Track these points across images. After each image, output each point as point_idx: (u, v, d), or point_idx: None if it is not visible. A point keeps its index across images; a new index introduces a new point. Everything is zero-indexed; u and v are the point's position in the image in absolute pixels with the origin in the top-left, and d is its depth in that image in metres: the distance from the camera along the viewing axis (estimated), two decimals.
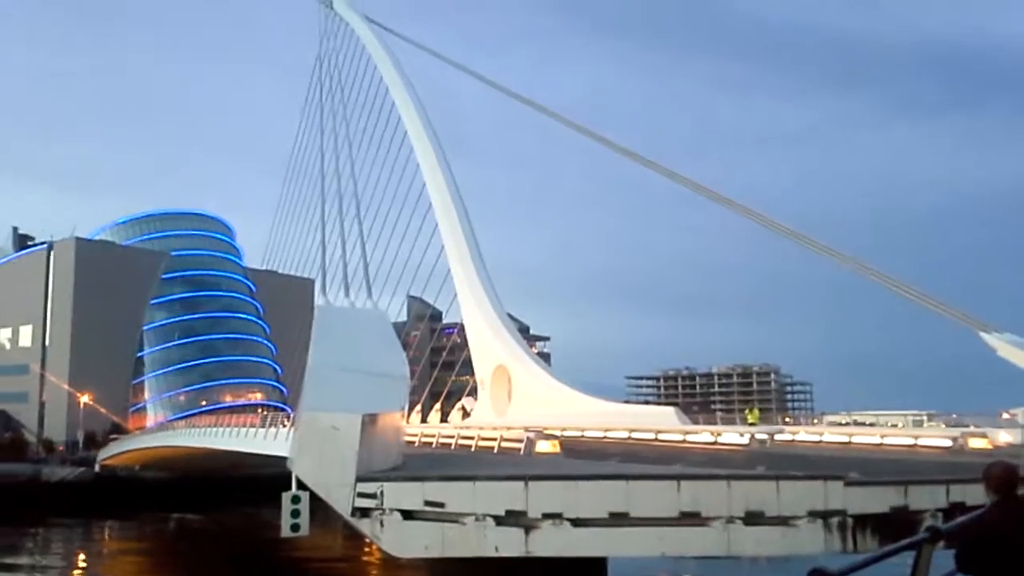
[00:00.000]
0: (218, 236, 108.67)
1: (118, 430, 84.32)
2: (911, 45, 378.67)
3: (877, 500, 14.54)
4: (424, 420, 59.45)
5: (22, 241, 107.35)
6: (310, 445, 14.54)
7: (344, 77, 68.21)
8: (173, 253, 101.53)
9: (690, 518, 13.57)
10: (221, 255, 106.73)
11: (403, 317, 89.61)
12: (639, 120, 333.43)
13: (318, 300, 25.09)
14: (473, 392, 59.12)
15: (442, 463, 20.75)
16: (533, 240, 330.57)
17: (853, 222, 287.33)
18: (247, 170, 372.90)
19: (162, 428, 73.96)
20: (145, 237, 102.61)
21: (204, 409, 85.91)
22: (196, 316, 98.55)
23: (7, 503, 54.45)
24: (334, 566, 33.05)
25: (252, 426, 36.98)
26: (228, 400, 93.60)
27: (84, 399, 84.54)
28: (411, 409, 62.83)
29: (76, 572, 38.46)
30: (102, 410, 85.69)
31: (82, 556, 43.52)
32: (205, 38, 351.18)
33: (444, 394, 64.01)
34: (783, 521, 13.90)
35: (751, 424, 39.16)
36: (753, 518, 13.71)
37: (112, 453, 68.35)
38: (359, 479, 13.91)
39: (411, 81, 65.22)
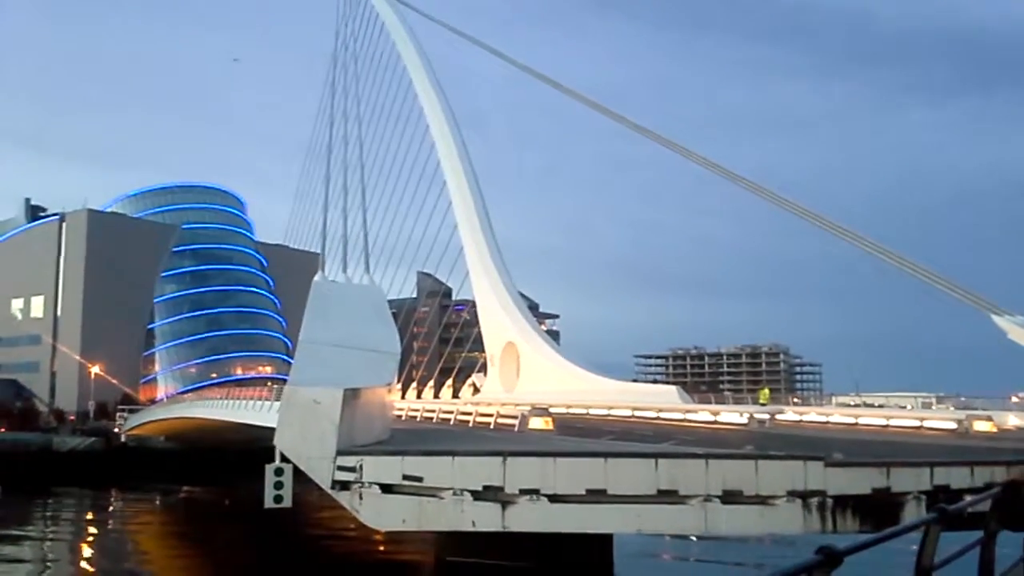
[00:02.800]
0: (229, 210, 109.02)
1: (129, 401, 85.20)
2: (925, 26, 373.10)
3: (858, 481, 14.52)
4: (436, 395, 59.95)
5: (34, 212, 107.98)
6: (292, 418, 14.67)
7: (361, 53, 67.95)
8: (184, 226, 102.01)
9: (667, 496, 13.60)
10: (232, 228, 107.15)
11: (414, 294, 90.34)
12: (650, 100, 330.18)
13: (316, 276, 25.19)
14: (484, 368, 59.49)
15: (429, 438, 20.88)
16: (544, 218, 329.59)
17: (866, 204, 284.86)
18: (264, 147, 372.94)
19: (175, 400, 74.80)
20: (156, 210, 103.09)
21: (214, 381, 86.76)
22: (206, 289, 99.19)
23: (19, 472, 55.16)
24: (343, 538, 33.27)
25: (263, 399, 37.26)
26: (239, 373, 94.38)
27: (95, 370, 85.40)
28: (423, 385, 63.47)
29: (86, 541, 38.95)
30: (113, 381, 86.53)
31: (92, 526, 44.06)
32: (226, 14, 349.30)
33: (456, 370, 64.35)
34: (761, 500, 13.91)
35: (763, 404, 39.19)
36: (731, 497, 13.74)
37: (138, 423, 69.20)
38: (339, 452, 14.04)
39: (427, 56, 64.96)
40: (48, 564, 32.94)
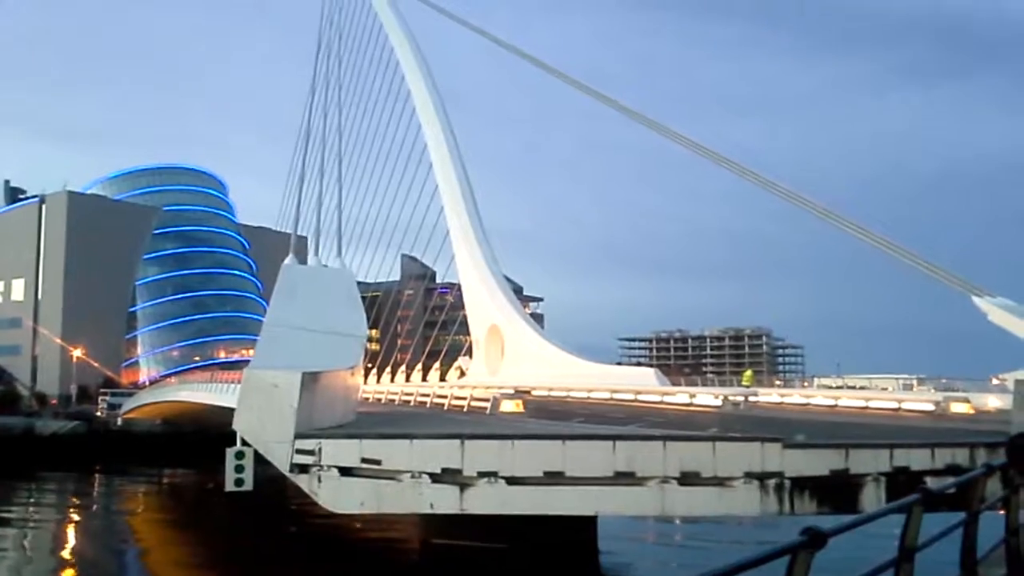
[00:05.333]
0: (211, 191, 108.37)
1: (111, 384, 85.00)
2: (910, 9, 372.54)
3: (816, 463, 14.59)
4: (424, 379, 60.02)
5: (14, 194, 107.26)
6: (251, 402, 14.67)
7: (347, 33, 67.42)
8: (165, 208, 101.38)
9: (625, 478, 13.67)
10: (214, 211, 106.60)
11: (397, 276, 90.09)
12: (632, 79, 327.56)
13: (287, 259, 25.09)
14: (470, 352, 59.56)
15: (396, 421, 20.93)
16: (528, 201, 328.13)
17: (849, 186, 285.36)
18: (247, 129, 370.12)
19: (161, 384, 74.59)
20: (137, 192, 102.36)
21: (197, 365, 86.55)
22: (189, 272, 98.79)
23: (1, 456, 54.96)
24: (328, 520, 33.27)
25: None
26: (222, 356, 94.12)
27: (77, 353, 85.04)
28: (410, 368, 63.52)
29: (70, 526, 38.84)
30: (95, 364, 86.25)
31: (75, 511, 43.92)
32: None
33: (443, 353, 64.40)
34: (719, 482, 13.99)
35: (747, 386, 39.38)
36: (688, 479, 13.81)
37: (133, 406, 69.02)
38: (298, 436, 14.05)
39: (413, 35, 64.46)
40: (31, 550, 32.77)
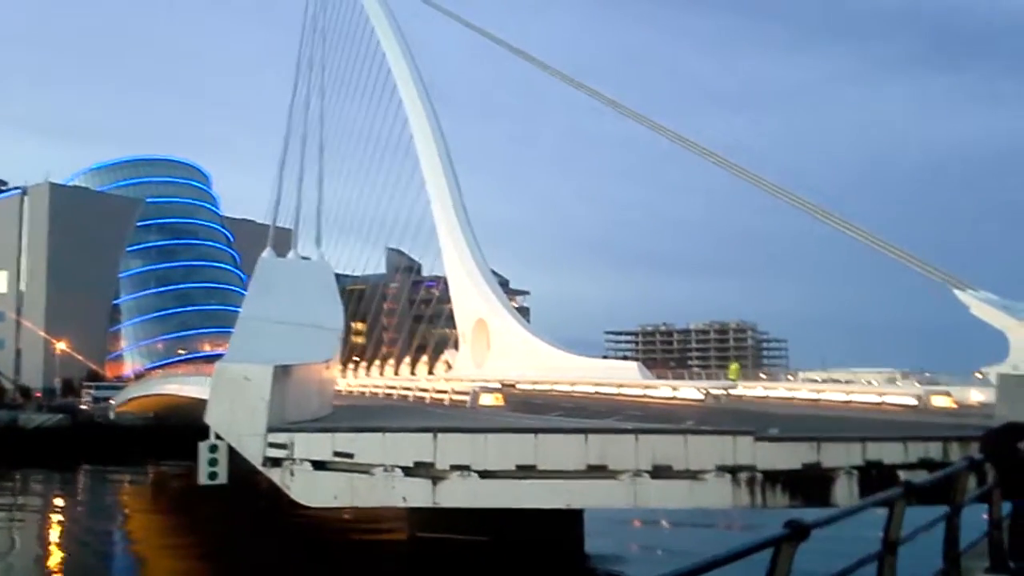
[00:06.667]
0: (194, 183, 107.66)
1: (95, 377, 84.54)
2: (897, 2, 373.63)
3: (788, 456, 14.65)
4: (413, 372, 60.03)
5: None
6: (223, 395, 14.62)
7: (331, 23, 66.86)
8: (148, 200, 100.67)
9: (597, 471, 13.71)
10: (197, 203, 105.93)
11: (383, 269, 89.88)
12: (618, 72, 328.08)
13: (264, 252, 25.00)
14: (457, 345, 59.53)
15: (372, 415, 20.90)
16: (512, 194, 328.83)
17: (835, 180, 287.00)
18: (232, 120, 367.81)
19: (145, 376, 74.30)
20: (120, 183, 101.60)
21: (182, 358, 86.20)
22: (173, 264, 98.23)
23: None
24: (315, 515, 33.19)
25: None
26: (206, 349, 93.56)
27: (60, 346, 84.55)
28: (398, 362, 63.48)
29: (55, 520, 38.60)
30: (79, 357, 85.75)
31: (61, 505, 43.68)
32: None
33: (430, 347, 64.31)
34: (691, 475, 14.05)
35: (732, 379, 39.50)
36: (660, 472, 13.85)
37: (125, 399, 68.60)
38: (270, 429, 14.03)
39: (399, 26, 64.11)
40: (16, 547, 32.47)
